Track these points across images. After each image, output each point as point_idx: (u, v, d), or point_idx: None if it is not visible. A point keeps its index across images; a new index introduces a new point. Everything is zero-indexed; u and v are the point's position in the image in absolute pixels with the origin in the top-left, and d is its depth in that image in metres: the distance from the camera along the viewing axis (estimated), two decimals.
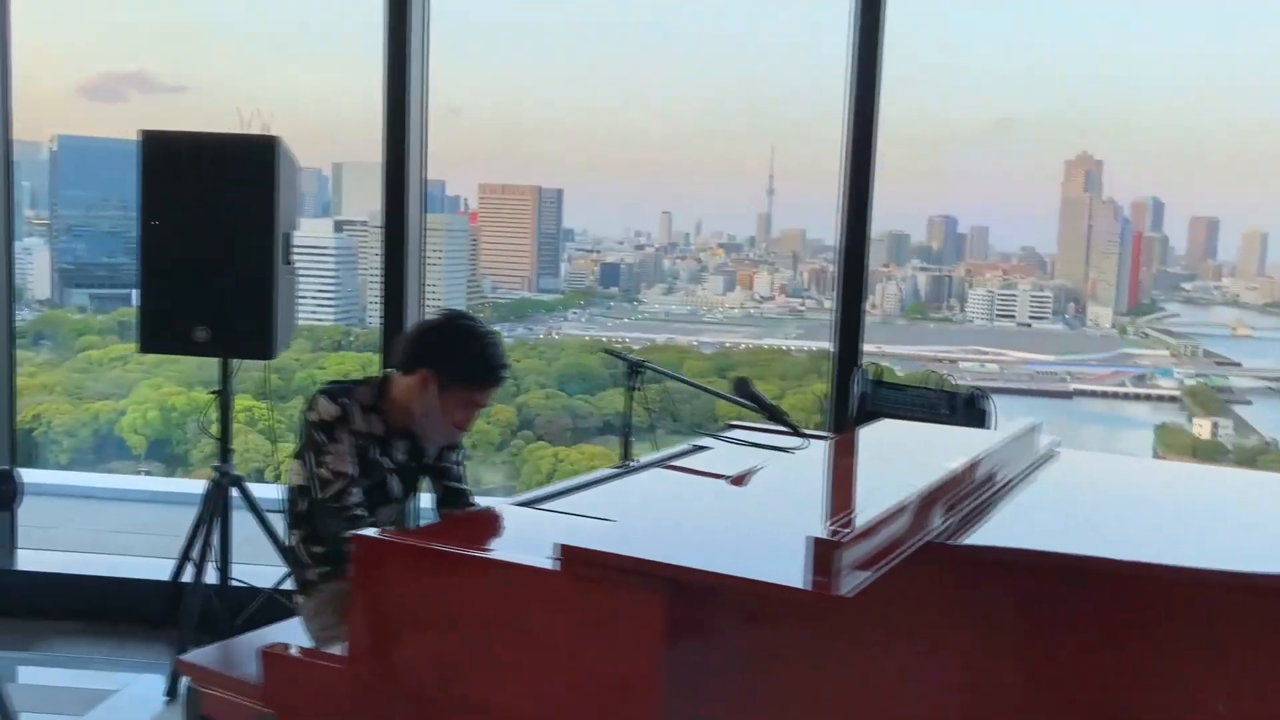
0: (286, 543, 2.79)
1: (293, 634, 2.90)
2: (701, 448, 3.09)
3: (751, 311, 13.60)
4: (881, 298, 13.41)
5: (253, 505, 4.21)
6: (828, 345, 14.14)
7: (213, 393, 4.13)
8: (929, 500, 2.07)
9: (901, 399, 3.56)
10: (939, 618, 1.94)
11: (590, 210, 14.20)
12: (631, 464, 2.87)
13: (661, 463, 2.87)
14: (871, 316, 14.08)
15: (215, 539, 4.09)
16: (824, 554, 1.66)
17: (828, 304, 13.68)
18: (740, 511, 2.37)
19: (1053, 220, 13.39)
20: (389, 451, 2.74)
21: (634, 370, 3.39)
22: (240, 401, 10.70)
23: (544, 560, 1.90)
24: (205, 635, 3.76)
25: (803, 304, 13.48)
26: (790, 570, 1.72)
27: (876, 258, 13.75)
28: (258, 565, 4.41)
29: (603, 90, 11.58)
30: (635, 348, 13.16)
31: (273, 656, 2.27)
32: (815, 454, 2.79)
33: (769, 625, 2.05)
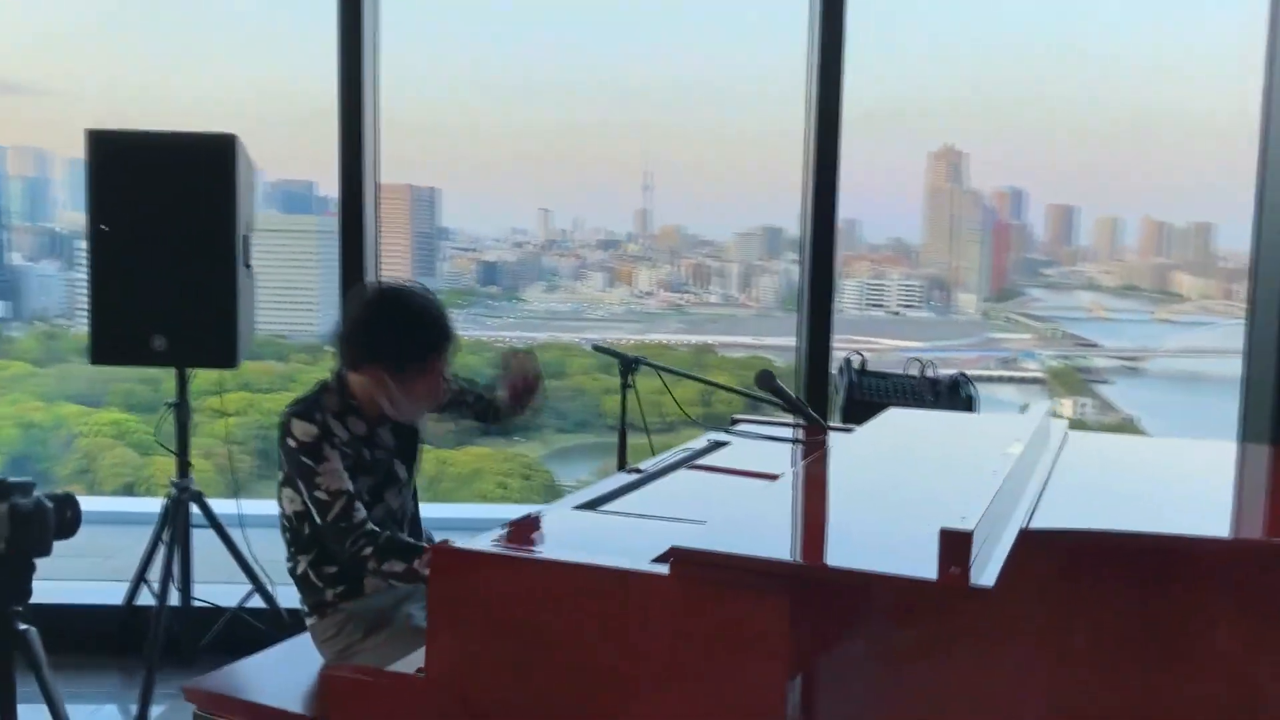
0: (293, 570, 2.65)
1: (303, 654, 2.77)
2: (720, 443, 3.04)
3: (634, 307, 13.65)
4: (760, 291, 13.65)
5: (214, 522, 4.00)
6: (709, 339, 14.22)
7: (169, 405, 3.89)
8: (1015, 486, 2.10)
9: (887, 387, 3.62)
10: (1034, 600, 1.95)
11: (467, 209, 13.98)
12: (645, 466, 2.76)
13: (687, 462, 2.79)
14: (749, 309, 14.34)
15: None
16: (957, 545, 1.63)
17: (709, 299, 13.88)
18: (825, 506, 2.31)
19: (919, 211, 13.90)
20: (379, 443, 2.64)
21: (628, 367, 3.34)
22: (106, 415, 10.09)
23: (644, 564, 1.83)
24: (167, 661, 3.55)
25: (683, 299, 13.60)
26: (924, 562, 1.68)
27: (753, 252, 14.00)
28: (215, 584, 4.19)
29: (475, 86, 11.39)
30: (520, 346, 13.02)
31: (336, 679, 2.14)
32: (856, 445, 2.76)
33: (873, 621, 2.01)
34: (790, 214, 15.09)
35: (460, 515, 6.64)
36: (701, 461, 2.81)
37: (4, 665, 1.82)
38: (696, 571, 1.71)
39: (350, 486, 2.52)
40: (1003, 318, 13.07)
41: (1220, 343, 12.28)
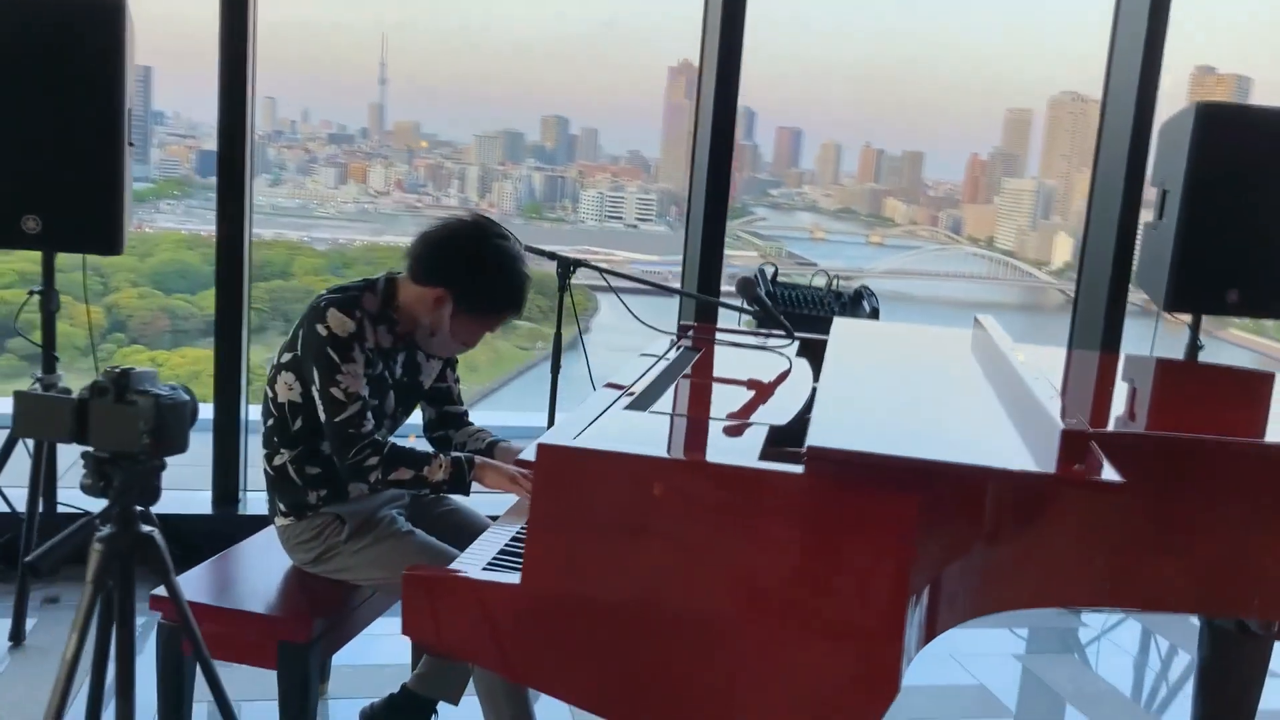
0: (271, 465, 2.40)
1: (267, 556, 2.55)
2: (693, 350, 2.90)
3: (366, 207, 13.21)
4: (499, 196, 13.51)
5: None
6: None
7: (32, 292, 3.40)
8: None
9: (798, 297, 3.71)
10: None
11: (183, 93, 13.00)
12: (626, 380, 2.62)
13: (678, 371, 2.66)
14: (489, 214, 14.19)
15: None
16: (1078, 444, 1.74)
17: (446, 200, 13.60)
18: (915, 406, 2.31)
19: (658, 125, 14.11)
20: (390, 366, 2.46)
21: (566, 269, 3.12)
22: None
23: (774, 464, 1.80)
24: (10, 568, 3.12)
25: (419, 200, 13.27)
26: (1046, 460, 1.77)
27: (493, 155, 13.81)
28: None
29: None
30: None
31: (420, 580, 1.95)
32: (865, 355, 2.77)
33: (969, 519, 2.04)
34: (532, 120, 14.88)
35: None
36: (698, 369, 2.67)
37: (126, 572, 1.56)
38: (831, 469, 1.71)
39: (367, 394, 2.32)
40: (732, 235, 13.49)
41: (926, 265, 13.26)
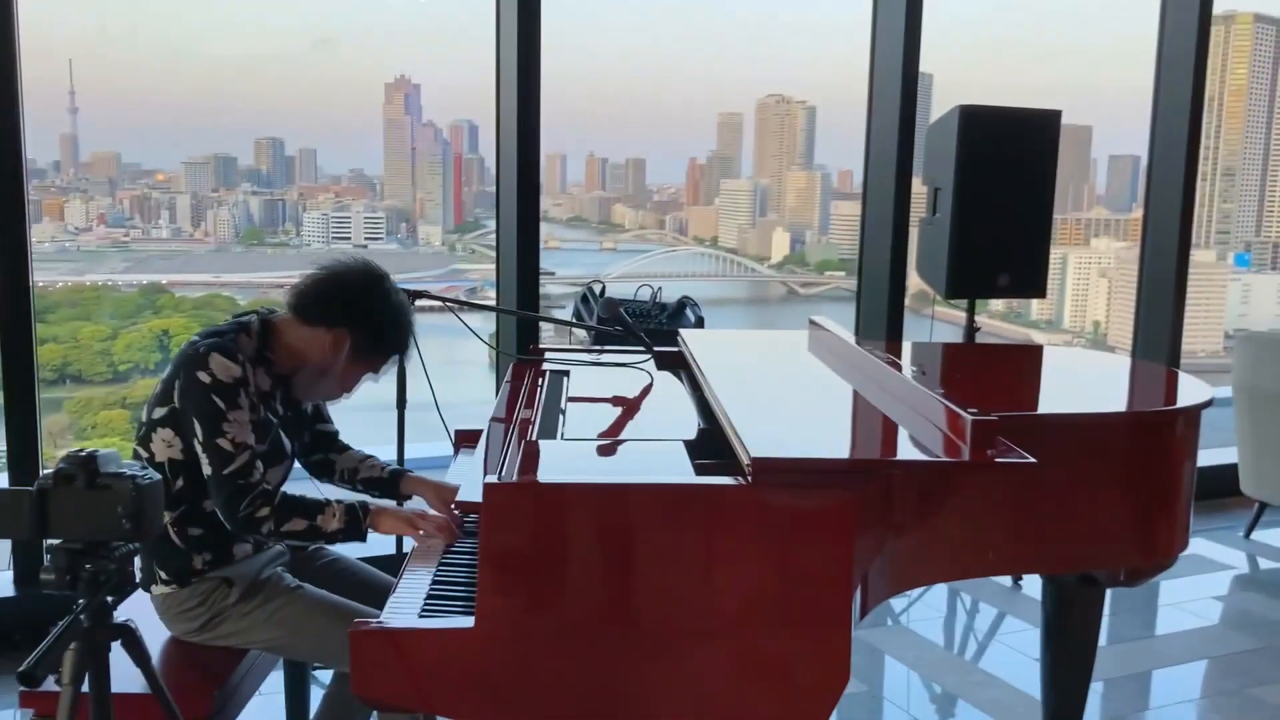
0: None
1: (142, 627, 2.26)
2: (559, 373, 2.82)
3: (66, 245, 12.16)
4: (215, 224, 12.80)
5: None
6: (160, 277, 13.04)
7: None
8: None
9: (629, 311, 3.73)
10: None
11: None
12: (501, 411, 2.59)
13: (558, 395, 2.60)
14: (205, 245, 13.37)
15: None
16: (987, 432, 1.89)
17: (158, 234, 12.73)
18: (814, 410, 2.43)
19: (379, 142, 13.79)
20: (272, 406, 2.25)
21: (411, 299, 3.03)
22: None
23: (713, 478, 1.85)
24: None
25: (127, 234, 12.36)
26: (959, 450, 1.92)
27: (205, 183, 13.05)
28: None
29: None
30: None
31: (370, 636, 1.80)
32: (736, 363, 2.82)
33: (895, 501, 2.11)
34: (244, 143, 14.17)
35: None
36: (576, 392, 2.61)
37: (102, 669, 1.34)
38: (775, 478, 1.80)
39: (254, 443, 2.10)
40: (466, 249, 13.41)
41: (657, 268, 13.69)
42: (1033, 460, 1.88)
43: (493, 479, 1.82)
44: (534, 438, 2.17)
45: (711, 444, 2.16)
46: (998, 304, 11.25)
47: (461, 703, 1.87)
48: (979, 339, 4.03)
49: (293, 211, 13.28)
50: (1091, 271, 13.54)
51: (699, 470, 1.97)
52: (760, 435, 1.96)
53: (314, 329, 2.25)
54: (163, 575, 2.23)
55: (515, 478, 1.84)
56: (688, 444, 2.13)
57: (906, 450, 2.14)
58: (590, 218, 14.02)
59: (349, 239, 13.43)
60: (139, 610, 2.38)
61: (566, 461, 2.04)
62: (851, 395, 2.49)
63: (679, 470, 1.98)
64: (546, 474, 1.89)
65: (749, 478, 1.81)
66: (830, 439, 2.25)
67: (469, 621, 1.83)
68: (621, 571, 1.83)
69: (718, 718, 1.87)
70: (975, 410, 1.94)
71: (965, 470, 2.07)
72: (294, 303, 2.27)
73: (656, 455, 2.11)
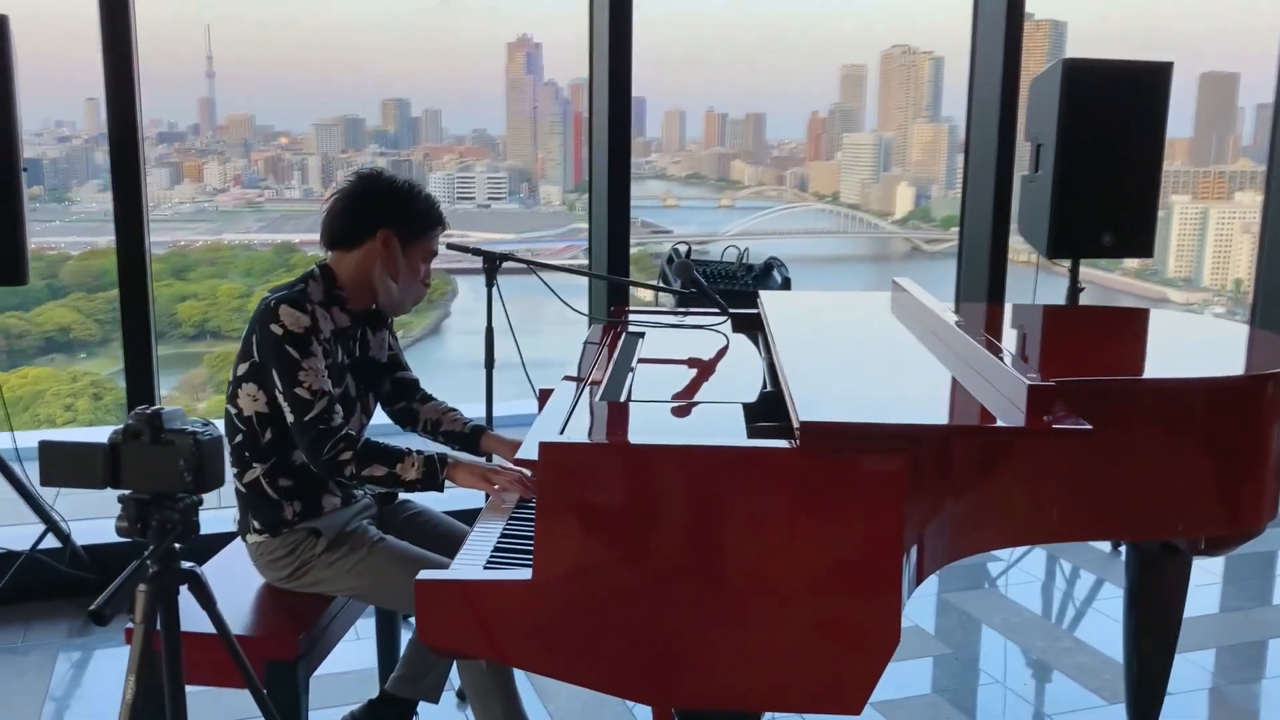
0: (242, 482, 2.32)
1: (239, 573, 2.47)
2: (636, 334, 2.92)
3: (204, 205, 12.72)
4: None
5: None
6: (292, 237, 13.51)
7: None
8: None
9: (714, 273, 3.78)
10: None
11: None
12: (584, 371, 2.66)
13: (630, 357, 2.68)
14: None
15: None
16: (1044, 398, 1.87)
17: (288, 193, 13.20)
18: (877, 373, 2.42)
19: (500, 102, 13.99)
20: (350, 346, 2.43)
21: (493, 263, 3.13)
22: None
23: (765, 441, 1.83)
24: None
25: (260, 194, 12.85)
26: (1014, 416, 1.89)
27: (335, 144, 13.46)
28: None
29: None
30: (73, 254, 11.76)
31: (432, 586, 1.94)
32: (810, 326, 2.85)
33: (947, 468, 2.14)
34: (371, 105, 14.52)
35: None
36: (648, 354, 2.69)
37: (171, 610, 1.51)
38: (824, 441, 1.80)
39: (331, 388, 2.27)
40: (586, 208, 13.50)
41: (775, 225, 13.58)
42: (1088, 427, 1.84)
43: (545, 438, 1.88)
44: (599, 398, 2.23)
45: (774, 407, 2.18)
46: (1131, 261, 10.83)
47: (521, 652, 1.94)
48: (1083, 299, 3.93)
49: (418, 172, 13.59)
50: (1235, 227, 12.89)
51: (757, 433, 1.99)
52: (814, 398, 1.98)
53: (361, 248, 2.36)
54: (256, 525, 2.37)
55: (564, 437, 1.90)
56: (750, 407, 2.15)
57: (962, 415, 2.12)
58: (708, 174, 13.98)
59: (472, 198, 13.70)
60: (231, 558, 2.55)
61: (620, 421, 2.09)
62: (919, 359, 2.47)
63: (733, 432, 2.00)
64: (597, 434, 1.94)
65: (798, 441, 1.83)
66: (886, 403, 2.23)
67: (529, 574, 1.90)
68: (667, 531, 1.86)
69: (766, 676, 1.90)
70: (1035, 375, 1.91)
71: (1020, 436, 2.04)
72: (330, 240, 2.38)
73: (713, 417, 2.14)
